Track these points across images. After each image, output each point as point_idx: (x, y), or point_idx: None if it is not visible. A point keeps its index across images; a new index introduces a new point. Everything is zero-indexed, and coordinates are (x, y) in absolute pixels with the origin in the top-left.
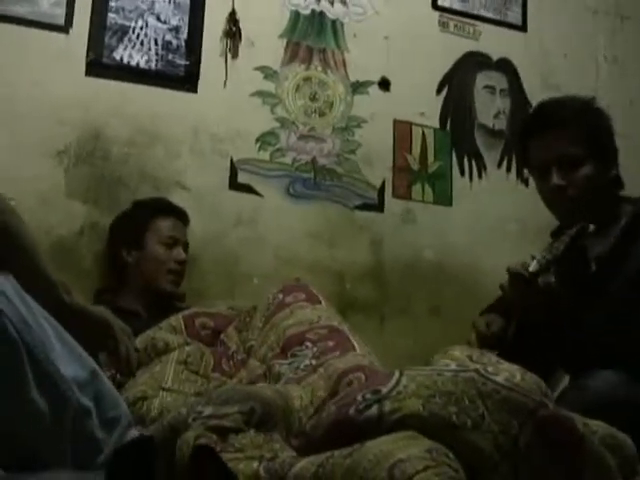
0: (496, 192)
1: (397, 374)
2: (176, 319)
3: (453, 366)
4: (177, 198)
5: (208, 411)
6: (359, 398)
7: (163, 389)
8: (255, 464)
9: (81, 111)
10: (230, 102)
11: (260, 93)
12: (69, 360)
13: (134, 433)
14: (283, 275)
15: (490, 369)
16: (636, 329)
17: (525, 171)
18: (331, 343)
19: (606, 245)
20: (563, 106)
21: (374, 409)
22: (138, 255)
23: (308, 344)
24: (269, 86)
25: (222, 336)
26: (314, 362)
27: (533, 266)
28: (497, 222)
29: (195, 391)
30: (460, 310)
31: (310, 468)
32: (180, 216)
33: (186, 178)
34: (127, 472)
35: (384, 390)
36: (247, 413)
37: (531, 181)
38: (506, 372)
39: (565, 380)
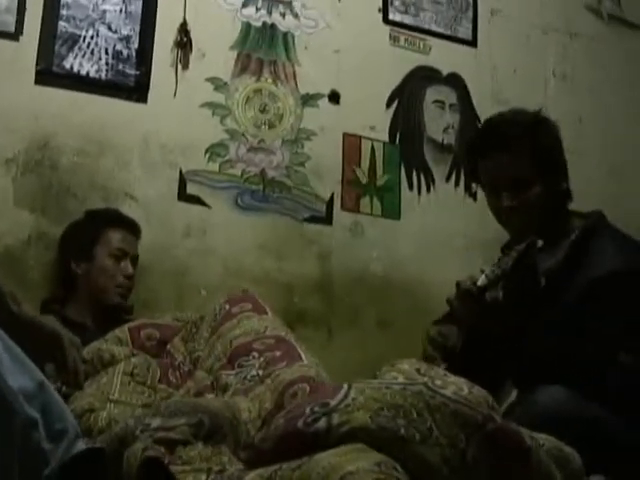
0: (444, 206)
1: (345, 387)
2: (122, 330)
3: (401, 379)
4: (126, 208)
5: (156, 423)
6: (307, 411)
7: (110, 401)
8: (203, 477)
9: (30, 120)
10: (180, 113)
11: (210, 104)
12: (16, 371)
13: (81, 445)
14: (231, 287)
15: (438, 382)
16: (583, 345)
17: (473, 185)
18: (278, 353)
19: (556, 260)
20: (510, 125)
21: (322, 422)
22: (87, 267)
23: (255, 354)
24: (219, 97)
25: (168, 347)
26: (261, 372)
27: (481, 280)
28: (445, 236)
29: (142, 402)
30: (408, 323)
31: None
32: (131, 228)
33: (135, 188)
34: None
35: (332, 403)
36: (195, 425)
37: (479, 195)
38: (454, 385)
39: (513, 394)
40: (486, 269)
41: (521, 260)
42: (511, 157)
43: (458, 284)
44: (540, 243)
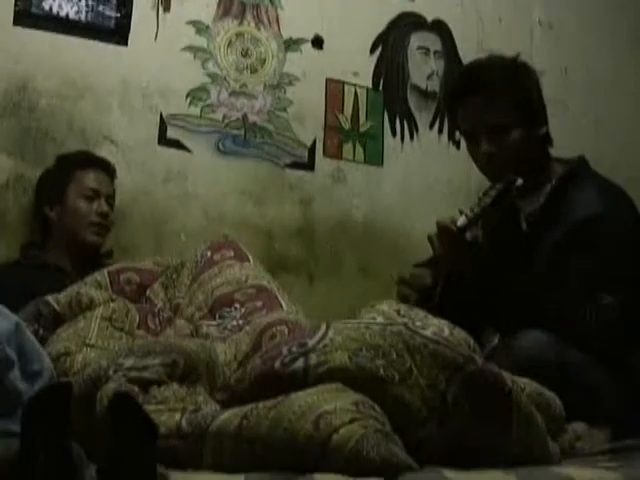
0: (427, 153)
1: (324, 327)
2: (101, 274)
3: (381, 320)
4: (105, 152)
5: (129, 363)
6: (284, 351)
7: (87, 345)
8: (177, 416)
9: (8, 62)
10: (161, 56)
11: (191, 48)
12: None
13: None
14: (211, 232)
15: (418, 323)
16: (563, 287)
17: (457, 133)
18: (259, 303)
19: (537, 204)
20: (488, 69)
21: (300, 362)
22: (60, 210)
23: (236, 305)
24: (201, 41)
25: (148, 292)
26: (241, 322)
27: (461, 220)
28: (428, 183)
29: (120, 348)
30: (389, 270)
31: (233, 420)
32: (103, 168)
33: (115, 132)
34: (42, 417)
35: (310, 343)
36: (169, 365)
37: (462, 143)
38: (434, 326)
39: (494, 339)
40: (465, 209)
41: (501, 198)
42: (489, 102)
43: (438, 223)
44: (520, 181)
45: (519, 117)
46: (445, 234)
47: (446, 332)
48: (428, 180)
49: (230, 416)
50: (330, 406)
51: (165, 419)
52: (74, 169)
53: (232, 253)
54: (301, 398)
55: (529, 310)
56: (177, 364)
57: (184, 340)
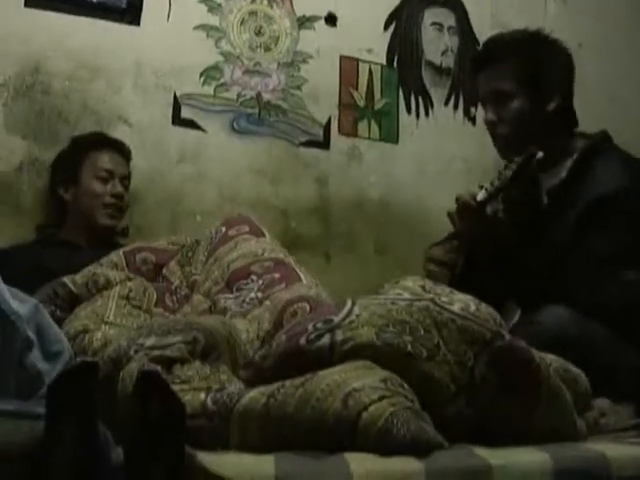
0: (443, 130)
1: (349, 303)
2: (117, 255)
3: (407, 295)
4: (119, 133)
5: (150, 342)
6: (310, 327)
7: (105, 323)
8: (202, 395)
9: (21, 43)
10: (173, 36)
11: (204, 26)
12: (11, 294)
13: None
14: (226, 212)
15: (444, 299)
16: (586, 262)
17: (472, 109)
18: (277, 275)
19: (558, 179)
20: (502, 41)
21: (326, 338)
22: (75, 192)
23: (253, 277)
24: (213, 19)
25: (164, 271)
26: (260, 295)
27: (481, 195)
28: (444, 160)
29: (138, 325)
30: (406, 248)
31: (260, 399)
32: (118, 149)
33: (128, 113)
34: (69, 397)
35: (336, 319)
36: (191, 342)
37: (478, 119)
38: (461, 302)
39: (516, 315)
40: (486, 184)
41: (521, 171)
42: (494, 70)
43: (458, 198)
44: (540, 154)
45: (523, 87)
46: (465, 209)
47: (473, 307)
48: (444, 157)
49: (257, 395)
50: (358, 383)
51: (190, 399)
52: (88, 150)
53: (247, 228)
54: (328, 376)
55: (551, 285)
56: (198, 341)
57: (203, 317)
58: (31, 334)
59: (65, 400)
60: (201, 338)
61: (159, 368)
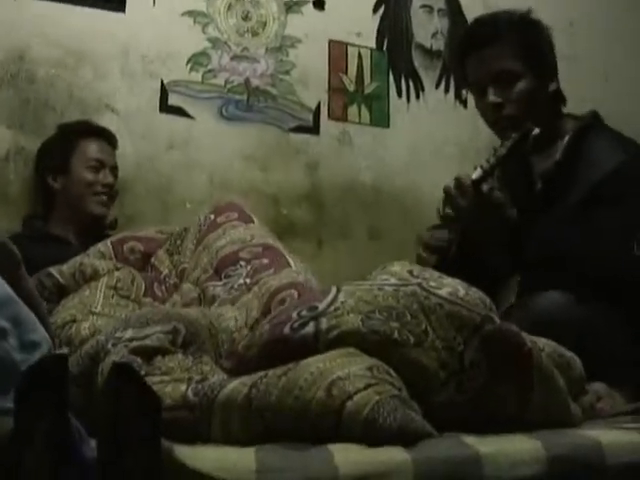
0: (434, 113)
1: (334, 290)
2: (104, 245)
3: (394, 280)
4: (106, 121)
5: (128, 334)
6: (294, 315)
7: (93, 313)
8: (183, 387)
9: (4, 32)
10: (160, 22)
11: (191, 12)
12: None
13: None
14: (217, 199)
15: (432, 283)
16: (595, 241)
17: (464, 92)
18: (265, 260)
19: (551, 162)
20: (497, 20)
21: (310, 326)
22: (64, 180)
23: (242, 263)
24: (200, 5)
25: (152, 260)
26: (248, 281)
27: (476, 173)
28: (436, 144)
29: (118, 320)
30: (399, 233)
31: (242, 389)
32: (107, 138)
33: (115, 101)
34: (38, 391)
35: (320, 307)
36: (171, 332)
37: (470, 102)
38: (449, 287)
39: (512, 299)
40: (482, 162)
41: (516, 147)
42: (497, 50)
43: (457, 179)
44: (537, 131)
45: (528, 67)
46: (461, 187)
47: (461, 292)
48: (435, 140)
49: (238, 385)
50: (343, 372)
51: (170, 390)
52: (77, 139)
53: (236, 215)
54: (312, 364)
55: (546, 269)
56: (178, 331)
57: (182, 309)
58: (4, 322)
59: (34, 394)
60: (181, 327)
61: (139, 359)
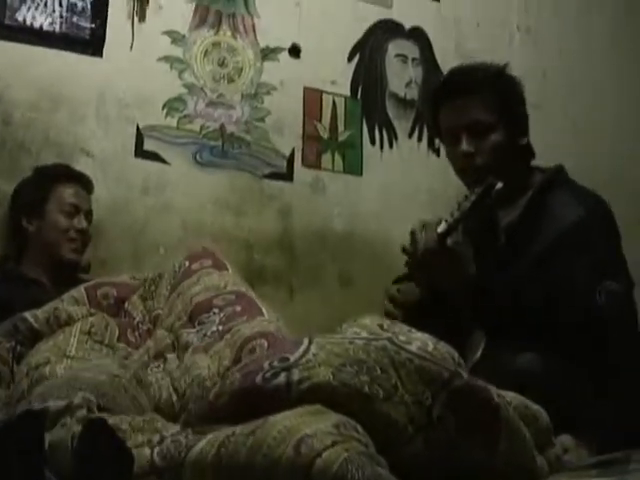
0: (407, 162)
1: (306, 341)
2: (78, 291)
3: (365, 334)
4: (82, 165)
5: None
6: (266, 366)
7: (67, 357)
8: (147, 451)
9: None
10: (137, 67)
11: (168, 58)
12: None
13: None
14: (190, 244)
15: (402, 338)
16: (542, 304)
17: (436, 141)
18: (238, 308)
19: (514, 215)
20: (474, 72)
21: (282, 377)
22: (39, 224)
23: (215, 310)
24: (177, 51)
25: (126, 305)
26: (221, 328)
27: (441, 227)
28: (408, 192)
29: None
30: (371, 280)
31: (210, 450)
32: (83, 183)
33: (91, 144)
34: (14, 446)
35: (292, 358)
36: (82, 405)
37: (442, 151)
38: (418, 341)
39: (478, 351)
40: (446, 216)
41: (480, 201)
42: (474, 100)
43: (413, 232)
44: (500, 185)
45: (501, 120)
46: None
47: (430, 346)
48: (408, 188)
49: (206, 445)
50: (311, 429)
51: (135, 456)
52: (54, 183)
53: (210, 262)
54: (280, 422)
55: (510, 325)
56: (90, 402)
57: (93, 364)
58: None
59: (10, 449)
60: (91, 397)
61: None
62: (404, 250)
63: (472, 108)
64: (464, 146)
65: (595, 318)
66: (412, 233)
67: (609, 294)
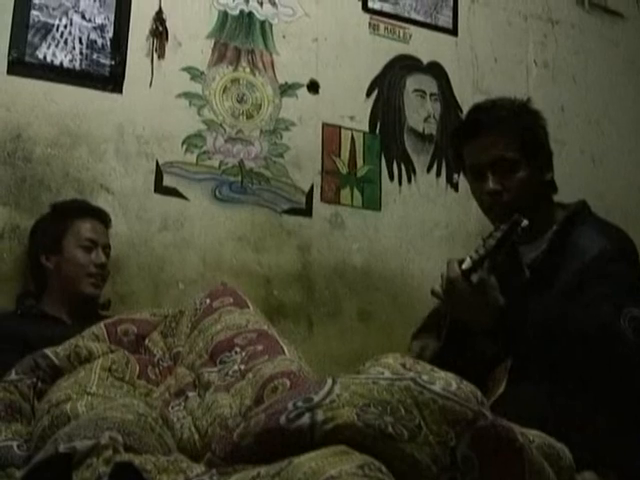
0: (425, 197)
1: (330, 381)
2: (98, 327)
3: (388, 374)
4: (101, 201)
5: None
6: (290, 406)
7: (88, 393)
8: None
9: (2, 110)
10: (156, 103)
11: (187, 94)
12: None
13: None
14: (209, 280)
15: (425, 377)
16: (567, 343)
17: (455, 176)
18: (260, 347)
19: (539, 251)
20: (499, 108)
21: (306, 418)
22: (57, 260)
23: (237, 349)
24: (196, 87)
25: (146, 342)
26: (243, 367)
27: (466, 264)
28: (426, 227)
29: (121, 397)
30: (389, 315)
31: None
32: (100, 217)
33: (110, 181)
34: None
35: (316, 398)
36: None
37: (461, 186)
38: (442, 380)
39: (502, 386)
40: (471, 253)
41: (505, 238)
42: (499, 137)
43: (443, 275)
44: (525, 222)
45: (527, 156)
46: (450, 281)
47: (454, 386)
48: (426, 224)
49: None
50: (336, 470)
51: None
52: (71, 218)
53: (231, 300)
54: (305, 463)
55: (535, 363)
56: (117, 441)
57: (118, 404)
58: None
59: None
60: (118, 437)
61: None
62: (433, 292)
63: (497, 145)
64: (491, 184)
65: (619, 343)
66: (442, 275)
67: (632, 320)
